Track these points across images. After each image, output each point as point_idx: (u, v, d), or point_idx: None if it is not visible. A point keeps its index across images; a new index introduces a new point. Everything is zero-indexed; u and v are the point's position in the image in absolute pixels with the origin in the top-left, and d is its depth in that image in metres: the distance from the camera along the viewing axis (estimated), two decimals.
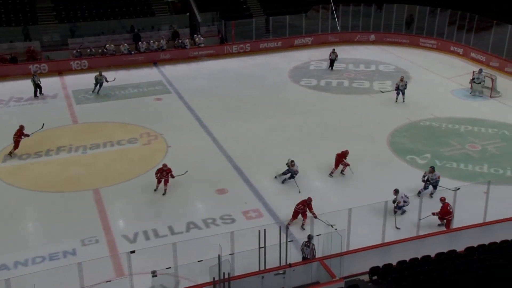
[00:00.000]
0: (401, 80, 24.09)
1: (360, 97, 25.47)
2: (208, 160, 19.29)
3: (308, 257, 12.78)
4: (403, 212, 15.44)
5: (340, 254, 12.53)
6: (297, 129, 21.76)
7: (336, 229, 12.91)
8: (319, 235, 12.92)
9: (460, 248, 12.93)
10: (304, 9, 34.59)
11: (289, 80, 28.06)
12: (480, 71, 25.28)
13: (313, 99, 25.33)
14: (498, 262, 12.22)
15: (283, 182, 17.34)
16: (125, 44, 30.82)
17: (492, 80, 25.02)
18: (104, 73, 26.06)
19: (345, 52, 32.31)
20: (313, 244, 12.72)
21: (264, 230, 11.94)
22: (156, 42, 31.44)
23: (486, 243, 13.02)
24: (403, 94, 23.87)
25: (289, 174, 17.24)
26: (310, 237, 12.77)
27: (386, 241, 13.68)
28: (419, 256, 12.56)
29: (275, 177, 17.56)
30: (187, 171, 17.16)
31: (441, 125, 21.84)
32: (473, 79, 25.15)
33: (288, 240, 12.58)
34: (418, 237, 13.72)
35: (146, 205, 16.27)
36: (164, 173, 16.66)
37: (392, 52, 32.43)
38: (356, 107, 24.21)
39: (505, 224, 14.21)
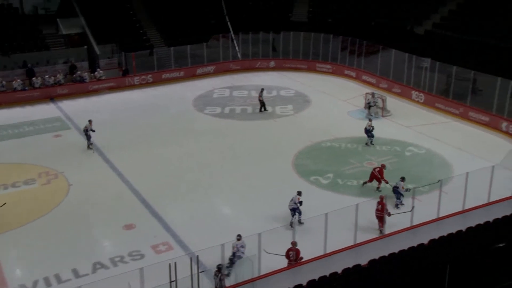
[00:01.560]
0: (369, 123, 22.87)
1: (265, 122, 26.16)
2: (113, 195, 18.69)
3: (217, 287, 12.71)
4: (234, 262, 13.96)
5: (251, 280, 12.63)
6: (203, 156, 21.82)
7: None
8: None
9: (364, 261, 13.58)
10: (205, 39, 35.11)
11: (194, 108, 28.17)
12: (373, 94, 26.99)
13: (218, 126, 25.59)
14: (397, 273, 12.97)
15: (291, 225, 15.87)
16: (18, 80, 29.23)
17: (383, 100, 26.88)
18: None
19: (247, 79, 33.23)
20: (222, 274, 12.67)
21: (175, 263, 11.78)
22: (53, 77, 30.17)
23: (386, 254, 13.81)
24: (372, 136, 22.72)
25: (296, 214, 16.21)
26: (218, 267, 12.72)
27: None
28: (327, 274, 12.99)
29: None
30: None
31: (341, 145, 23.00)
32: (369, 103, 26.69)
33: (200, 271, 12.45)
34: (325, 255, 14.21)
35: (46, 249, 15.32)
36: None
37: (292, 78, 33.76)
38: (261, 132, 24.83)
39: (402, 234, 15.26)
